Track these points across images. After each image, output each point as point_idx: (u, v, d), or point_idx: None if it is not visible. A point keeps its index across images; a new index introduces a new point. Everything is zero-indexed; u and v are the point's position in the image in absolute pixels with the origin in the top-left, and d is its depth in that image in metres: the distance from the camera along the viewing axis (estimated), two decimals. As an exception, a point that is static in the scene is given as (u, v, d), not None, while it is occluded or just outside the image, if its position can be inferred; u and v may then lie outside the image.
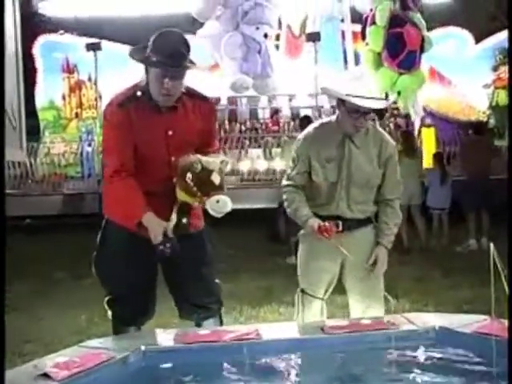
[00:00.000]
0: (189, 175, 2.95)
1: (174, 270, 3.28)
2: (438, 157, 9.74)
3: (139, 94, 3.14)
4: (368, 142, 3.40)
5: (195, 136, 3.20)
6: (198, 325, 3.34)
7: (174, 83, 3.04)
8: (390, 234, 3.44)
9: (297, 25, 15.23)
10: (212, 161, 3.03)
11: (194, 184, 2.94)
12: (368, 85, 3.34)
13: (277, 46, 13.80)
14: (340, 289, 3.63)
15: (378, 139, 3.43)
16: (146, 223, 2.99)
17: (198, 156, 3.02)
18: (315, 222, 3.31)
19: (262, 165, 13.87)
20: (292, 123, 15.11)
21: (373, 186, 3.43)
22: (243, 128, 15.49)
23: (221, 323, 3.45)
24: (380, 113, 3.36)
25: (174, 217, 3.02)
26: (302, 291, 3.47)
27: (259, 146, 14.66)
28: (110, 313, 3.35)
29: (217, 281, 3.43)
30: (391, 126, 14.94)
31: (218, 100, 13.73)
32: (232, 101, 15.72)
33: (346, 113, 3.31)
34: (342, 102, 3.33)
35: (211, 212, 3.01)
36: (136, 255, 3.19)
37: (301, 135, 3.56)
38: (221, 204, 2.98)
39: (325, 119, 3.60)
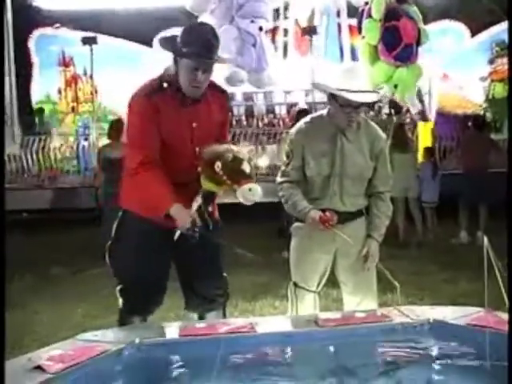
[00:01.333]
0: (218, 163, 2.97)
1: (185, 261, 3.32)
2: (428, 151, 9.78)
3: (165, 85, 3.14)
4: (360, 136, 3.41)
5: (216, 127, 3.26)
6: (201, 317, 3.36)
7: (205, 75, 3.08)
8: (382, 226, 3.45)
9: (304, 19, 15.17)
10: (242, 150, 3.11)
11: (223, 173, 2.97)
12: (360, 78, 3.35)
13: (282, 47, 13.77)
14: (333, 282, 3.63)
15: (369, 133, 3.44)
16: (174, 214, 3.00)
17: (229, 145, 3.09)
18: (316, 214, 3.31)
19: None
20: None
21: (365, 178, 3.45)
22: (260, 124, 15.40)
23: (224, 316, 3.48)
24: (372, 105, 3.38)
25: (195, 205, 3.06)
26: (295, 284, 3.48)
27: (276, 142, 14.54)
28: (120, 301, 3.37)
29: (224, 274, 3.47)
30: (407, 120, 14.99)
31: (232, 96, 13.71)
32: (248, 97, 15.71)
33: (337, 107, 3.32)
34: (333, 97, 3.34)
35: (241, 200, 3.03)
36: (153, 247, 3.22)
37: (293, 130, 3.57)
38: (253, 192, 3.00)
39: (316, 113, 3.60)
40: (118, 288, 3.35)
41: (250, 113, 16.08)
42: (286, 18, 15.42)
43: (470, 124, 11.25)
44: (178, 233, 3.12)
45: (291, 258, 3.57)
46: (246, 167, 3.01)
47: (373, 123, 3.56)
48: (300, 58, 14.68)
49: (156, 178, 3.07)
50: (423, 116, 12.98)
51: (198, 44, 3.03)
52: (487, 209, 8.96)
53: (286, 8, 15.31)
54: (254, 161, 3.19)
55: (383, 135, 3.54)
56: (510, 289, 2.45)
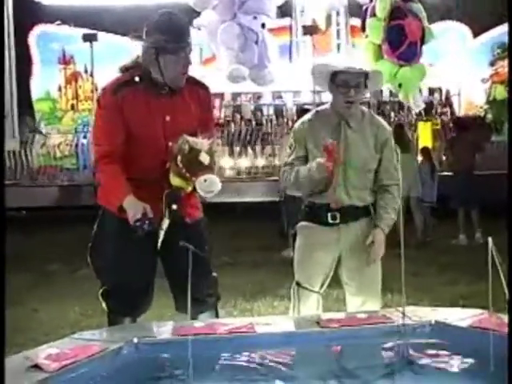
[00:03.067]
0: (179, 157, 2.91)
1: (171, 261, 3.24)
2: (425, 151, 9.79)
3: (137, 79, 3.11)
4: (364, 126, 3.38)
5: (193, 122, 3.16)
6: (194, 318, 3.31)
7: (186, 62, 3.09)
8: (388, 217, 3.37)
9: (322, 19, 15.12)
10: (200, 141, 3.00)
11: (183, 165, 2.91)
12: (350, 59, 3.36)
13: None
14: (335, 282, 3.60)
15: (373, 124, 3.41)
16: (126, 206, 2.96)
17: (185, 136, 2.98)
18: (318, 159, 3.18)
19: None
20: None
21: (369, 170, 3.39)
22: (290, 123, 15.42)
23: (216, 316, 3.41)
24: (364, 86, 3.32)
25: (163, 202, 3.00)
26: (298, 284, 3.43)
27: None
28: (104, 304, 3.30)
29: (214, 274, 3.40)
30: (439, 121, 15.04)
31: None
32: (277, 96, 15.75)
33: (335, 90, 3.31)
34: (331, 82, 3.33)
35: (200, 193, 2.98)
36: (132, 245, 3.12)
37: (297, 123, 3.54)
38: (208, 183, 2.93)
39: (319, 107, 3.58)
40: (100, 291, 3.28)
41: (279, 112, 16.09)
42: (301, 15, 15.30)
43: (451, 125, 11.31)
44: (161, 234, 3.05)
45: (295, 258, 3.51)
46: (204, 158, 2.93)
47: (376, 115, 3.54)
48: (318, 56, 14.62)
49: (113, 172, 3.05)
50: (452, 117, 12.93)
51: (175, 34, 3.04)
52: (478, 211, 8.97)
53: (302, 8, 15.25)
54: (216, 151, 3.09)
55: (388, 127, 3.51)
56: (510, 289, 2.42)
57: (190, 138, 2.98)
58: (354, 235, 3.38)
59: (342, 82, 3.27)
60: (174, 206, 3.02)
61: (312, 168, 3.22)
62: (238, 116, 16.28)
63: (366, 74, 3.34)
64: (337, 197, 3.32)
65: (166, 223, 3.04)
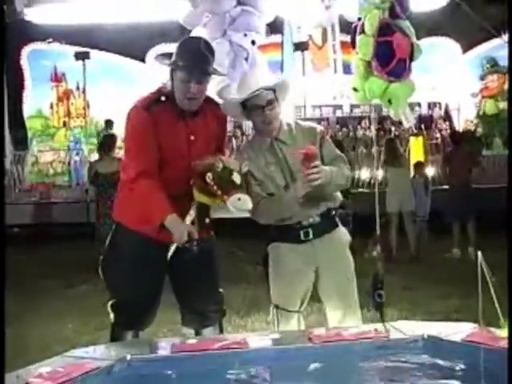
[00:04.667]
0: (209, 175, 2.97)
1: (180, 277, 3.30)
2: (419, 166, 9.83)
3: (163, 98, 3.15)
4: (294, 136, 3.34)
5: (213, 141, 3.26)
6: (197, 333, 3.33)
7: (198, 87, 3.10)
8: (333, 170, 3.24)
9: (318, 35, 15.20)
10: (233, 161, 3.12)
11: (214, 183, 2.96)
12: (257, 81, 3.35)
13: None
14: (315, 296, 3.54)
15: (302, 130, 3.38)
16: (169, 225, 2.99)
17: (219, 156, 3.07)
18: (298, 180, 3.14)
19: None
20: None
21: None
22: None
23: (221, 331, 3.45)
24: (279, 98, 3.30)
25: (188, 218, 3.05)
26: (276, 307, 3.35)
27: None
28: (112, 316, 3.31)
29: (221, 290, 3.44)
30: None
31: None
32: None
33: (252, 114, 3.31)
34: (243, 109, 3.33)
35: (232, 210, 3.01)
36: (146, 260, 3.20)
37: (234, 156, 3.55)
38: (242, 202, 2.99)
39: (249, 138, 3.62)
40: (110, 303, 3.31)
41: None
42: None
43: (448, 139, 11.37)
44: (172, 248, 3.10)
45: (270, 279, 3.42)
46: (236, 178, 3.00)
47: (301, 121, 3.53)
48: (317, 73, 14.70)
49: (153, 189, 3.06)
50: (452, 132, 13.00)
51: (190, 56, 3.07)
52: (474, 224, 8.99)
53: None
54: (246, 172, 3.15)
55: (317, 126, 3.50)
56: (510, 301, 2.43)
57: (224, 158, 3.08)
58: (329, 247, 3.34)
59: (252, 106, 3.27)
60: (207, 220, 3.12)
61: (295, 188, 3.18)
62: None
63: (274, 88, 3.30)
64: (303, 212, 3.27)
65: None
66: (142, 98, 3.22)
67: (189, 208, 3.07)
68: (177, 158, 3.15)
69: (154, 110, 3.12)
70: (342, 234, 3.45)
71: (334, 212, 3.40)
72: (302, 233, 3.31)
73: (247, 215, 3.19)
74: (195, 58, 3.07)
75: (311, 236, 3.31)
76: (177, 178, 3.11)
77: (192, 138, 3.18)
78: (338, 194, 3.46)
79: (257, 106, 3.26)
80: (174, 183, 3.10)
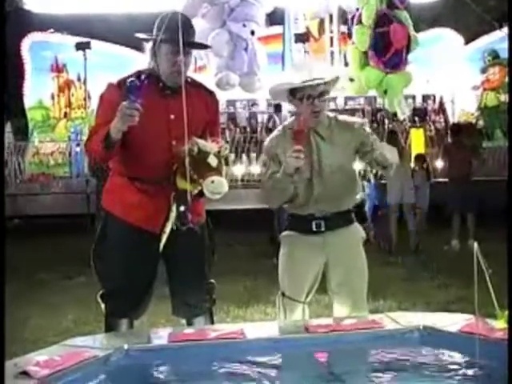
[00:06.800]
0: (187, 160, 2.94)
1: (171, 266, 3.29)
2: (419, 158, 9.83)
3: (143, 76, 3.08)
4: (333, 131, 3.33)
5: (198, 125, 3.18)
6: (189, 323, 3.33)
7: (185, 59, 3.05)
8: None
9: (314, 26, 15.14)
10: (209, 144, 3.04)
11: (191, 167, 2.93)
12: (307, 70, 3.32)
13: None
14: (324, 288, 3.58)
15: (342, 126, 3.36)
16: (113, 126, 2.92)
17: (195, 139, 3.01)
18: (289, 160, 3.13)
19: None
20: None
21: (348, 172, 3.36)
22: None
23: (212, 322, 3.43)
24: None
25: (172, 215, 3.05)
26: (283, 294, 3.38)
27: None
28: (103, 306, 3.31)
29: (212, 280, 3.42)
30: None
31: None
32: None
33: (299, 104, 3.29)
34: (292, 97, 3.31)
35: (207, 194, 3.00)
36: (136, 248, 3.18)
37: (267, 140, 3.52)
38: (216, 184, 2.96)
39: (286, 122, 3.58)
40: (100, 293, 3.30)
41: (274, 119, 16.10)
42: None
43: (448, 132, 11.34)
44: (164, 238, 3.09)
45: (280, 268, 3.47)
46: (212, 160, 2.97)
47: (343, 116, 3.50)
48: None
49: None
50: (445, 124, 13.00)
51: (173, 29, 3.02)
52: (474, 216, 9.00)
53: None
54: (225, 156, 3.12)
55: (359, 120, 3.49)
56: (510, 292, 2.43)
57: (199, 141, 3.02)
58: (340, 242, 3.35)
59: (303, 95, 3.25)
60: (183, 208, 3.05)
61: (284, 169, 3.17)
62: (232, 124, 16.27)
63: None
64: (319, 207, 3.30)
65: (169, 226, 3.08)
66: (119, 78, 3.19)
67: (170, 194, 3.05)
68: (156, 136, 3.10)
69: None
70: (356, 230, 3.46)
71: (350, 205, 3.42)
72: (314, 224, 3.32)
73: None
74: (178, 30, 3.00)
75: (323, 228, 3.32)
76: (157, 160, 3.09)
77: (172, 117, 3.11)
78: (359, 193, 3.47)
79: (310, 96, 3.24)
80: (155, 166, 3.08)
